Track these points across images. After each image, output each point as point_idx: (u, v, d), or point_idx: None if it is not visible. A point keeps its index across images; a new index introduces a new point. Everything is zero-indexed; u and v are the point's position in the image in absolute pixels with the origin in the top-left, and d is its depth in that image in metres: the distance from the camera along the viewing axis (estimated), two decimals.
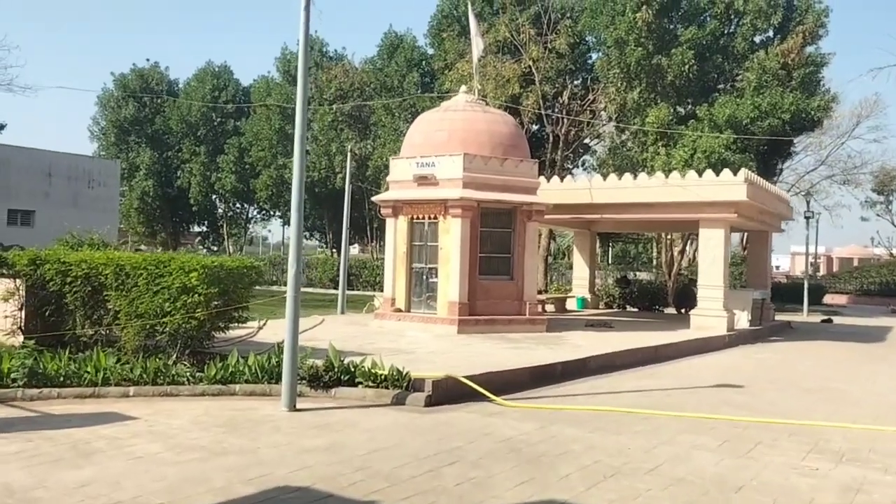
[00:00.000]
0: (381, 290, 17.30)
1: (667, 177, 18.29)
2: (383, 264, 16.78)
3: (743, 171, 17.42)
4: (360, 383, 9.22)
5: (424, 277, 15.97)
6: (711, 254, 17.68)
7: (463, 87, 17.25)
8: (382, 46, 35.31)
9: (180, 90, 46.13)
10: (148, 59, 54.89)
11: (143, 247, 55.11)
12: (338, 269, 38.48)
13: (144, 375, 9.02)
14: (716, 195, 17.12)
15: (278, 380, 8.80)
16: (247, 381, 9.24)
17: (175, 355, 10.05)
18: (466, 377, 9.46)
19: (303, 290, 33.20)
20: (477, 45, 17.05)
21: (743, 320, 18.85)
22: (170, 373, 9.14)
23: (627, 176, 18.72)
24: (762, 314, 20.57)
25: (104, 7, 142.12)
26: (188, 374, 9.18)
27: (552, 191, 18.42)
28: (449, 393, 9.15)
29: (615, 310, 25.11)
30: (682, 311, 24.26)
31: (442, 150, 15.69)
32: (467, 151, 15.41)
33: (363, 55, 50.03)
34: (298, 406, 8.43)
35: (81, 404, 8.39)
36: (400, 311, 16.14)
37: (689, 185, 17.46)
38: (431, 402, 8.88)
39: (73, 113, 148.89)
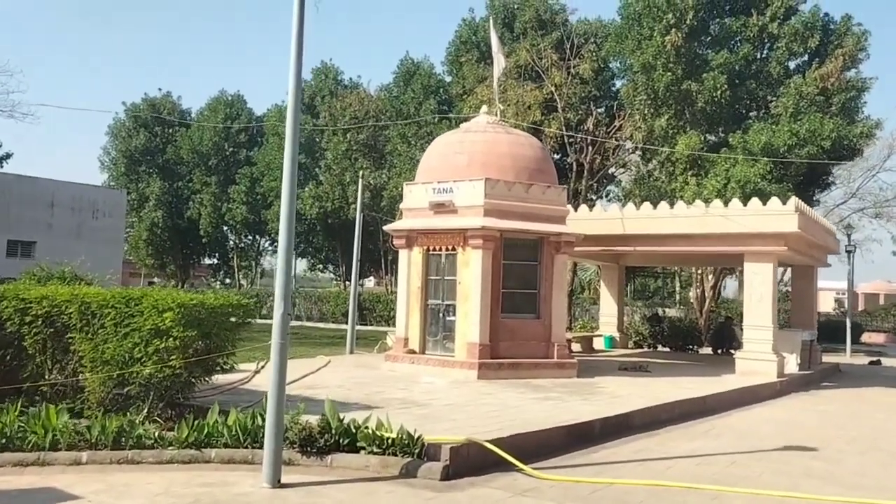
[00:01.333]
0: (395, 326, 15.71)
1: (707, 206, 16.67)
2: (397, 299, 15.24)
3: (793, 200, 15.79)
4: (363, 448, 7.60)
5: (441, 315, 14.39)
6: (758, 291, 15.96)
7: (483, 108, 15.84)
8: (399, 74, 34.25)
9: (192, 120, 45.36)
10: (160, 89, 54.48)
11: (156, 279, 54.16)
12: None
13: (103, 437, 7.46)
14: (763, 226, 15.47)
15: (263, 443, 7.21)
16: (225, 445, 7.65)
17: (147, 409, 8.52)
18: (491, 441, 7.82)
19: (313, 325, 31.47)
20: (499, 62, 15.67)
21: (792, 364, 17.03)
22: (134, 433, 7.58)
23: (663, 205, 17.13)
24: (811, 357, 18.73)
25: (116, 36, 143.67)
26: (155, 435, 7.61)
27: (580, 220, 16.84)
28: (470, 462, 7.50)
29: (645, 349, 23.31)
30: (720, 351, 22.44)
31: (461, 175, 14.22)
32: (489, 176, 13.93)
33: (379, 83, 49.08)
34: (284, 480, 6.83)
35: (19, 475, 6.83)
36: (414, 352, 14.53)
37: (732, 216, 15.82)
38: (449, 474, 7.24)
39: (83, 144, 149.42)
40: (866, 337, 35.91)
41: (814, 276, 20.89)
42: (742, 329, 20.00)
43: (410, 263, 14.78)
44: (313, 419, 7.81)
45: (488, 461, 7.63)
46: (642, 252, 18.11)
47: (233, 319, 9.17)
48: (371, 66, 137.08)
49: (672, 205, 17.06)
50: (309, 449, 7.54)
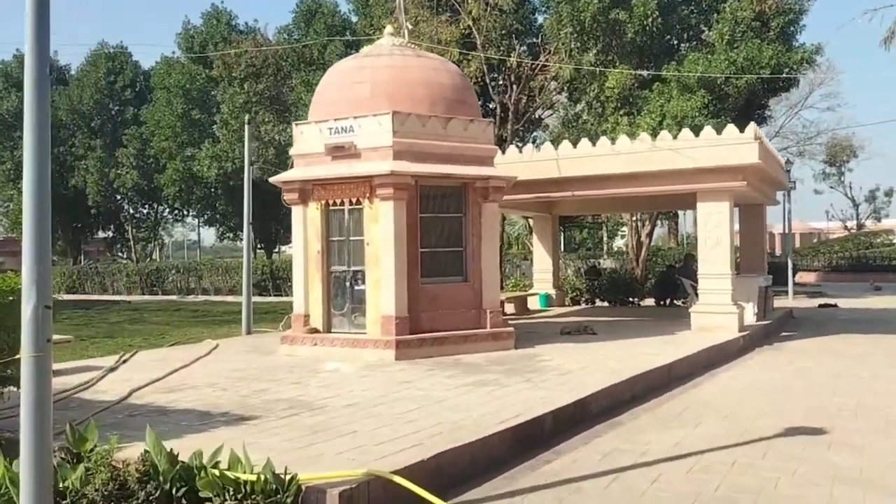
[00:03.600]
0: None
1: (654, 138, 14.46)
2: (293, 267, 12.47)
3: (752, 126, 13.73)
4: (208, 502, 4.95)
5: (348, 285, 11.73)
6: (714, 234, 13.93)
7: (388, 28, 12.98)
8: (298, 14, 30.70)
9: (72, 78, 40.39)
10: None
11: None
12: (265, 274, 33.90)
13: None
14: (720, 159, 13.37)
15: None
16: None
17: None
18: (405, 469, 5.31)
19: (220, 299, 28.07)
20: None
21: (749, 314, 15.24)
22: None
23: (604, 141, 14.83)
24: (765, 304, 17.03)
25: None
26: None
27: (509, 165, 14.37)
28: None
29: (584, 306, 21.33)
30: (663, 303, 20.67)
31: (363, 110, 11.45)
32: (398, 109, 11.22)
33: (277, 25, 44.99)
34: None
35: None
36: (316, 331, 11.86)
37: (683, 149, 13.67)
38: None
39: None
40: (799, 277, 35.28)
41: (763, 214, 19.19)
42: (682, 278, 18.20)
43: (307, 222, 12.01)
44: (145, 449, 5.11)
45: (400, 501, 5.14)
46: (581, 198, 15.83)
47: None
48: (268, 8, 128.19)
49: (614, 141, 14.77)
50: None
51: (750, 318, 15.25)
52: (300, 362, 10.95)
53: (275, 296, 32.42)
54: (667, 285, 20.43)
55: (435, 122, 11.53)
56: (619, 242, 57.50)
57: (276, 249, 45.78)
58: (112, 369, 10.76)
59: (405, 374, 9.73)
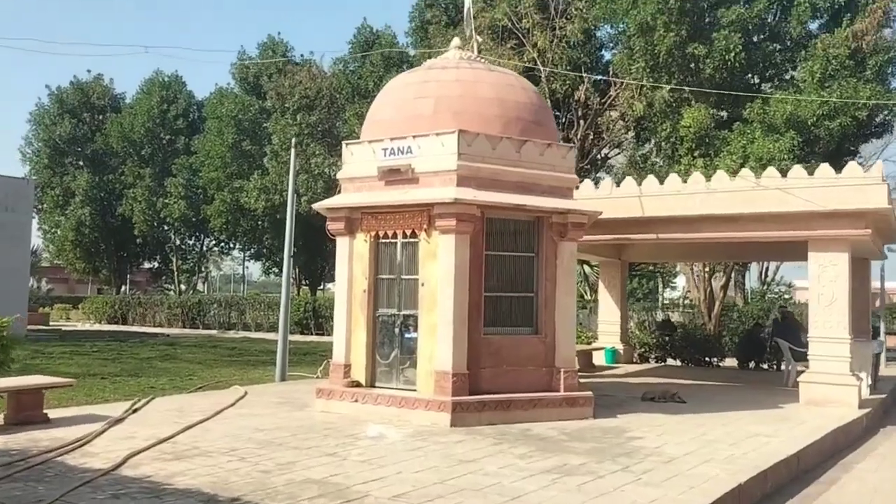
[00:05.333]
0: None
1: (757, 176, 12.47)
2: (335, 307, 10.74)
3: (878, 165, 11.66)
4: None
5: (397, 331, 9.94)
6: (829, 290, 11.76)
7: (455, 41, 11.39)
8: (355, 44, 29.74)
9: (125, 105, 40.22)
10: (89, 71, 49.11)
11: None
12: (307, 312, 32.37)
13: None
14: (840, 201, 11.28)
15: None
16: None
17: None
18: None
19: (260, 336, 26.44)
20: None
21: (864, 386, 12.90)
22: None
23: (696, 177, 12.91)
24: (876, 373, 14.64)
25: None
26: None
27: (585, 201, 12.49)
28: None
29: (654, 364, 19.10)
30: (749, 365, 18.33)
31: (424, 128, 9.81)
32: (464, 128, 9.54)
33: (332, 56, 44.52)
34: None
35: None
36: (358, 385, 10.06)
37: (795, 188, 11.64)
38: None
39: (3, 134, 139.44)
40: (892, 341, 32.26)
41: (869, 269, 16.85)
42: (778, 339, 15.91)
43: (353, 256, 10.32)
44: None
45: None
46: (666, 241, 13.82)
47: None
48: (325, 41, 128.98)
49: (710, 178, 12.83)
50: None
51: (864, 390, 12.92)
52: (337, 422, 9.14)
53: (316, 334, 30.85)
54: (753, 345, 18.10)
55: (507, 144, 9.81)
56: (670, 293, 54.62)
57: (321, 286, 44.42)
58: (118, 420, 9.13)
59: (465, 447, 7.81)
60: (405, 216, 9.74)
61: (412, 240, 9.80)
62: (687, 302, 40.79)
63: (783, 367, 15.62)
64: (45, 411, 9.08)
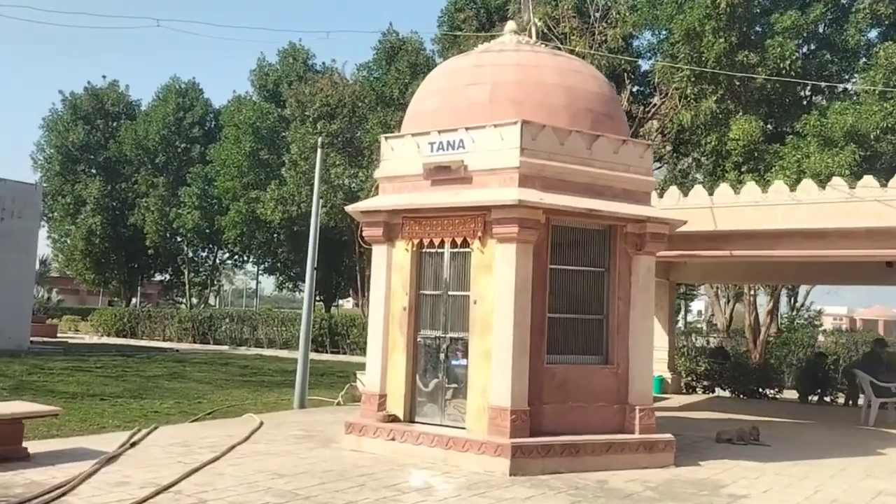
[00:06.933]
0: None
1: (852, 186, 10.93)
2: (369, 327, 9.26)
3: None
4: None
5: (442, 357, 8.43)
6: None
7: (510, 24, 9.96)
8: (380, 50, 28.54)
9: (141, 112, 39.16)
10: (104, 77, 48.17)
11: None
12: (323, 329, 30.95)
13: None
14: None
15: None
16: None
17: None
18: None
19: (273, 354, 24.82)
20: None
21: None
22: None
23: (778, 187, 11.38)
24: None
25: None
26: None
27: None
28: None
29: (702, 395, 17.44)
30: (811, 398, 16.63)
31: (479, 119, 8.36)
32: (527, 119, 8.08)
33: (356, 63, 43.36)
34: None
35: None
36: (395, 419, 8.53)
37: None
38: None
39: (15, 138, 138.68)
40: None
41: None
42: (860, 371, 14.22)
43: (391, 268, 8.84)
44: None
45: None
46: (742, 259, 12.26)
47: None
48: (347, 49, 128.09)
49: (794, 187, 11.31)
50: None
51: None
52: (373, 466, 7.61)
53: (331, 352, 29.32)
54: (815, 377, 16.42)
55: (577, 139, 8.33)
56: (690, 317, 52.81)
57: (335, 303, 42.91)
58: (111, 458, 7.64)
59: None
60: (455, 221, 8.26)
61: (462, 249, 8.32)
62: (713, 326, 38.96)
63: (861, 402, 13.96)
64: (24, 445, 7.61)
